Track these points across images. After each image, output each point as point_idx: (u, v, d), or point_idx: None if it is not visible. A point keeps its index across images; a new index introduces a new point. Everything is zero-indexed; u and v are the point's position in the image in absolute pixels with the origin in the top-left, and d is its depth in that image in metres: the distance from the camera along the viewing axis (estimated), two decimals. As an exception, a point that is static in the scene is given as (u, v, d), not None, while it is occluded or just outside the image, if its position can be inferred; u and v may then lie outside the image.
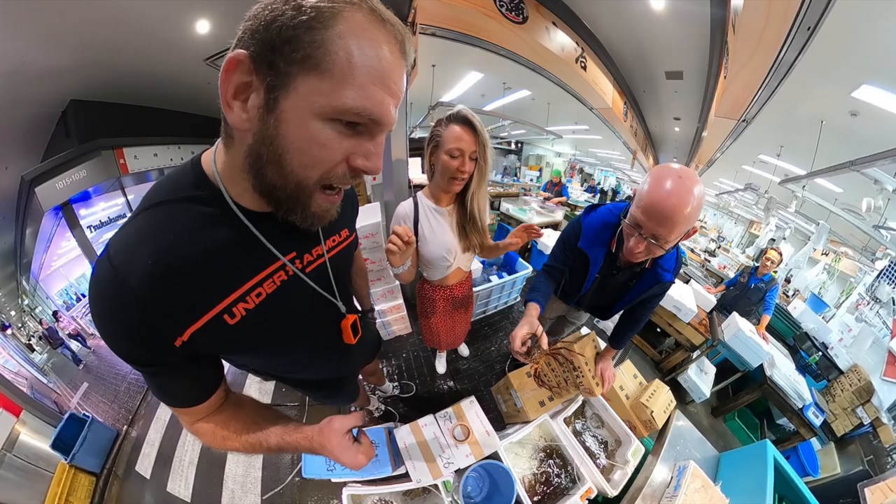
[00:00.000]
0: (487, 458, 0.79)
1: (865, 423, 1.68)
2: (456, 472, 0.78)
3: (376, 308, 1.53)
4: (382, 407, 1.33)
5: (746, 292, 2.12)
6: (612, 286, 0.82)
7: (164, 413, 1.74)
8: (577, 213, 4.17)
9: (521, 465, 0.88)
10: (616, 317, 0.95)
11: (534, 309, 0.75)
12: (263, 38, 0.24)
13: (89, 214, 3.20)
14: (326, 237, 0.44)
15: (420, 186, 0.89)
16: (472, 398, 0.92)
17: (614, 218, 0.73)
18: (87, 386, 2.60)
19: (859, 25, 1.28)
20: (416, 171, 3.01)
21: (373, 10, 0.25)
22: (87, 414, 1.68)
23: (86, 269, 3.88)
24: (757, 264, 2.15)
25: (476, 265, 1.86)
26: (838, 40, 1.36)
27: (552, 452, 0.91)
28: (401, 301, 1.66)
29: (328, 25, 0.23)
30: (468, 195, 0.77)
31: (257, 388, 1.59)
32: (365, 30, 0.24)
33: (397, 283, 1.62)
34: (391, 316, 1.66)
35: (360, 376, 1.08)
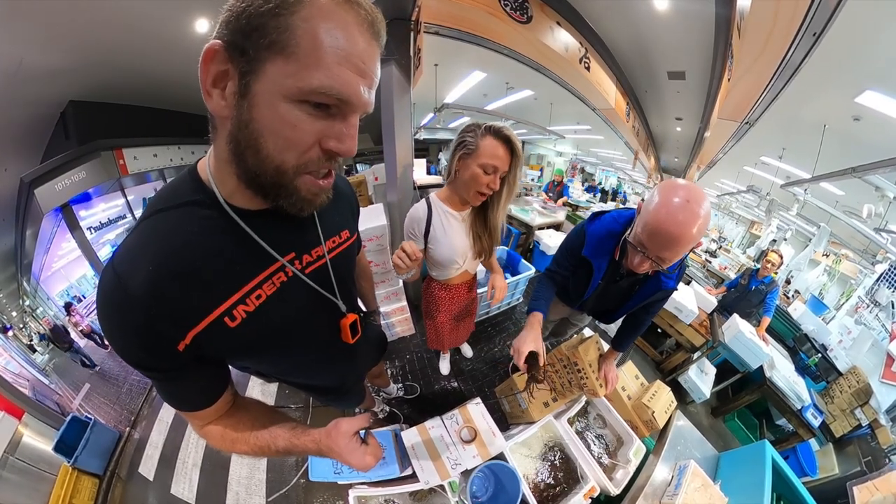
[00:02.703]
0: (493, 458, 0.80)
1: (864, 425, 1.69)
2: (462, 472, 0.79)
3: (381, 310, 1.53)
4: (387, 409, 1.34)
5: (747, 294, 2.13)
6: (614, 292, 0.83)
7: (166, 415, 1.74)
8: (578, 213, 4.20)
9: (525, 465, 0.89)
10: (619, 320, 0.95)
11: (536, 319, 0.76)
12: (235, 28, 0.25)
13: (89, 216, 3.18)
14: (326, 238, 0.44)
15: (424, 188, 0.89)
16: (478, 399, 0.93)
17: (619, 227, 0.73)
18: (88, 387, 2.60)
19: (865, 31, 1.28)
20: (420, 172, 3.00)
21: None
22: (89, 416, 1.68)
23: (86, 270, 3.85)
24: (758, 266, 2.16)
25: (479, 266, 1.87)
26: (843, 45, 1.36)
27: (556, 452, 0.93)
28: (404, 303, 1.66)
29: (293, 11, 0.24)
30: (494, 209, 0.77)
31: (260, 391, 1.59)
32: (330, 12, 0.25)
33: (401, 285, 1.63)
34: (395, 318, 1.66)
35: (366, 379, 1.08)
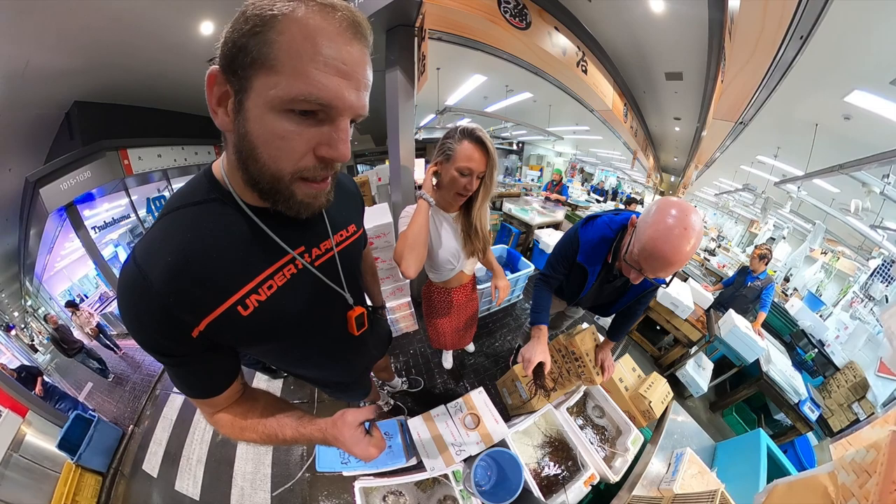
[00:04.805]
0: (495, 445, 0.82)
1: (861, 419, 1.70)
2: (465, 461, 0.81)
3: (386, 306, 1.55)
4: (391, 401, 1.36)
5: (742, 290, 2.16)
6: (609, 291, 0.86)
7: (170, 411, 1.75)
8: (578, 213, 4.24)
9: (527, 453, 0.91)
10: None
11: (542, 332, 0.80)
12: (226, 53, 0.27)
13: (93, 215, 3.18)
14: (334, 232, 0.46)
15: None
16: (481, 388, 0.95)
17: (611, 233, 0.75)
18: (91, 386, 2.60)
19: (851, 34, 1.32)
20: (420, 172, 3.04)
21: (312, 0, 0.26)
22: (92, 414, 1.69)
23: (88, 270, 3.86)
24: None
25: (479, 265, 1.90)
26: (831, 48, 1.40)
27: (556, 441, 0.94)
28: (408, 299, 1.69)
29: (270, 26, 0.25)
30: (473, 209, 0.79)
31: (265, 387, 1.61)
32: (305, 21, 0.25)
33: (406, 281, 1.65)
34: (399, 313, 1.69)
35: (372, 372, 1.10)
